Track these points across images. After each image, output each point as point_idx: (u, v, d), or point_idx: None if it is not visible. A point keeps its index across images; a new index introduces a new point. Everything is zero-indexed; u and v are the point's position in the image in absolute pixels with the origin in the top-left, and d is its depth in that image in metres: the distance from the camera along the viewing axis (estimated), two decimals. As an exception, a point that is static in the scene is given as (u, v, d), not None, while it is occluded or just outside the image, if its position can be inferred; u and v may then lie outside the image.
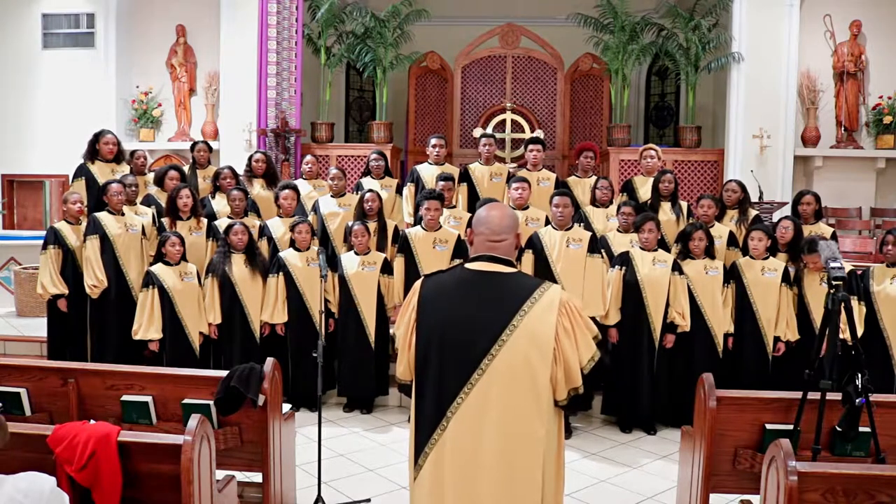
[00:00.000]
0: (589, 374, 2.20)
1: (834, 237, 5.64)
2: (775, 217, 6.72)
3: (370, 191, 6.03)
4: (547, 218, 5.63)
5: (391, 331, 5.67)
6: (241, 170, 6.58)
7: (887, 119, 8.78)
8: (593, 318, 5.10)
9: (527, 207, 5.75)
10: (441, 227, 5.56)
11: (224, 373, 3.54)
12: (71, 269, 5.57)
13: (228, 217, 5.86)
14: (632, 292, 5.20)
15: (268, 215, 6.18)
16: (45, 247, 5.57)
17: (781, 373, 5.15)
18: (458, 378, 2.19)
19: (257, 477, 3.64)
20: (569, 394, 2.20)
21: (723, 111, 9.44)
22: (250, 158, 6.65)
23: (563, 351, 2.17)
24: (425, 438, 2.23)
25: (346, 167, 8.91)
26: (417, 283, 2.37)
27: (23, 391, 3.57)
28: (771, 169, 8.67)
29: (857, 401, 3.05)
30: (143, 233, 5.72)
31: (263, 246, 5.78)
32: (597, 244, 5.37)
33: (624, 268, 5.24)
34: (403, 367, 2.36)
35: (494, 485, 2.17)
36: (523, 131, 9.78)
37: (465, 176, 6.54)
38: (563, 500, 2.33)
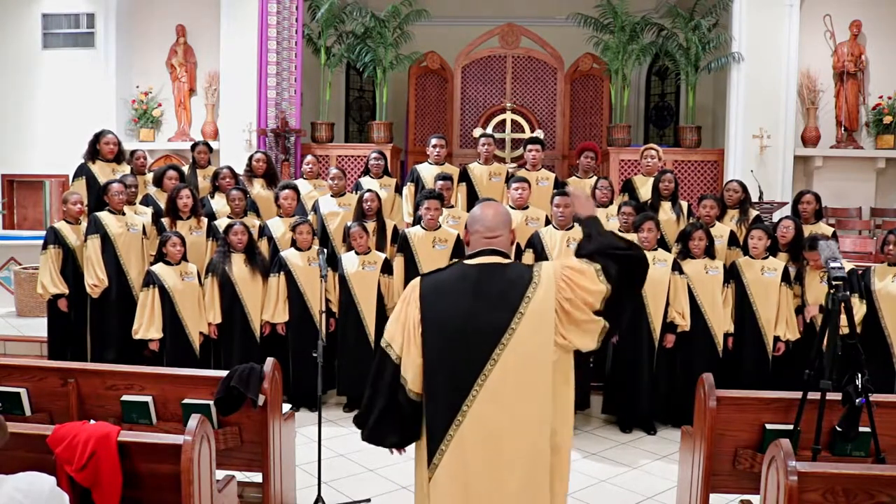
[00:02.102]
0: (622, 281, 2.24)
1: (834, 237, 5.64)
2: (775, 217, 6.73)
3: (369, 191, 6.03)
4: (547, 217, 5.63)
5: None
6: (240, 170, 6.59)
7: (887, 119, 8.77)
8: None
9: (526, 207, 5.76)
10: (440, 226, 5.56)
11: (224, 373, 3.54)
12: (71, 268, 5.57)
13: (228, 217, 5.86)
14: (632, 292, 5.19)
15: (268, 215, 6.19)
16: (45, 246, 5.57)
17: (781, 373, 5.15)
18: (471, 372, 2.20)
19: (257, 477, 3.63)
20: (602, 331, 2.25)
21: (723, 111, 9.44)
22: (251, 158, 6.66)
23: (571, 316, 2.22)
24: (440, 436, 2.22)
25: (346, 167, 8.91)
26: (414, 284, 2.36)
27: (23, 391, 3.57)
28: (771, 169, 8.66)
29: (857, 401, 3.05)
30: (144, 232, 5.72)
31: (263, 246, 5.78)
32: (597, 244, 5.36)
33: (624, 268, 5.23)
34: (413, 374, 2.27)
35: (516, 470, 2.19)
36: (523, 131, 9.78)
37: (465, 175, 6.55)
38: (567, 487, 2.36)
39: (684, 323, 5.19)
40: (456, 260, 2.43)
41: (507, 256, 2.34)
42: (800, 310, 5.23)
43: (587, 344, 2.27)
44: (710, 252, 5.31)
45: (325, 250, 5.03)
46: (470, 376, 2.20)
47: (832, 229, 5.93)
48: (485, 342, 2.20)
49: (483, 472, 2.20)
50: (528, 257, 5.28)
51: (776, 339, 5.19)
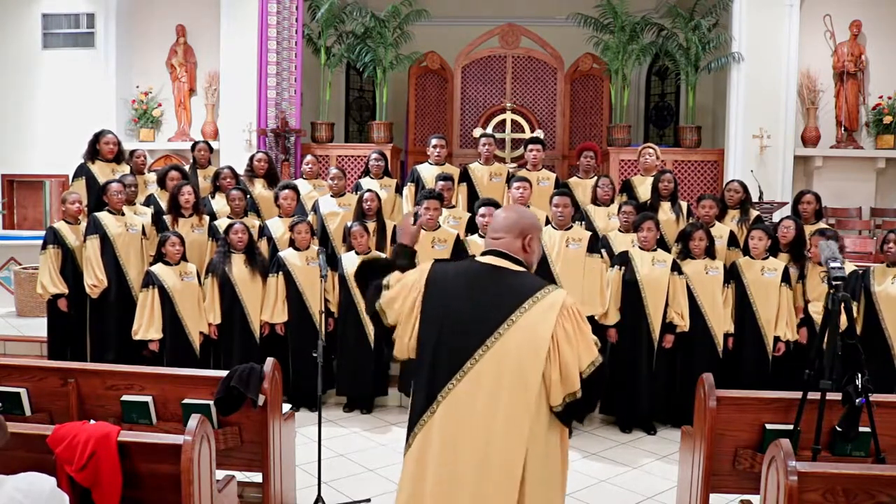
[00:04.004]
0: (592, 385, 2.19)
1: (835, 236, 5.64)
2: (775, 217, 6.73)
3: (369, 190, 6.03)
4: (547, 218, 5.63)
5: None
6: (241, 170, 6.59)
7: (887, 119, 8.77)
8: (591, 318, 5.12)
9: (527, 207, 5.75)
10: (440, 226, 5.56)
11: (224, 373, 3.54)
12: (71, 268, 5.57)
13: (228, 217, 5.86)
14: (631, 292, 5.20)
15: (269, 215, 6.18)
16: (44, 246, 5.57)
17: (781, 373, 5.15)
18: (452, 365, 2.22)
19: (257, 477, 3.63)
20: (564, 399, 2.19)
21: (723, 111, 9.44)
22: (252, 158, 6.65)
23: (561, 354, 2.17)
24: (416, 419, 2.27)
25: (346, 167, 8.91)
26: (426, 264, 2.39)
27: (23, 391, 3.57)
28: (771, 169, 8.66)
29: (857, 401, 3.04)
30: (144, 233, 5.72)
31: (263, 246, 5.78)
32: (597, 244, 5.37)
33: (623, 267, 5.24)
34: (401, 345, 2.35)
35: (473, 472, 2.19)
36: (523, 131, 9.77)
37: (465, 176, 6.54)
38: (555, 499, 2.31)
39: (683, 323, 5.19)
40: (472, 255, 2.43)
41: (520, 263, 2.31)
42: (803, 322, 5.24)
43: (554, 396, 2.20)
44: (710, 252, 5.32)
45: (325, 250, 5.02)
46: (451, 368, 2.22)
47: (833, 229, 5.92)
48: (471, 339, 2.21)
49: (443, 464, 2.21)
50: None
51: (776, 339, 5.19)
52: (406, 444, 2.31)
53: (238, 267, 5.44)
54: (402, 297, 2.35)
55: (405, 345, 2.35)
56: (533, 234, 2.35)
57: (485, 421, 2.18)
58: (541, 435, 2.20)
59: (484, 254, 2.35)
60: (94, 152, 6.24)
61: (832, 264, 3.12)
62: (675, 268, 5.22)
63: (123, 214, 5.63)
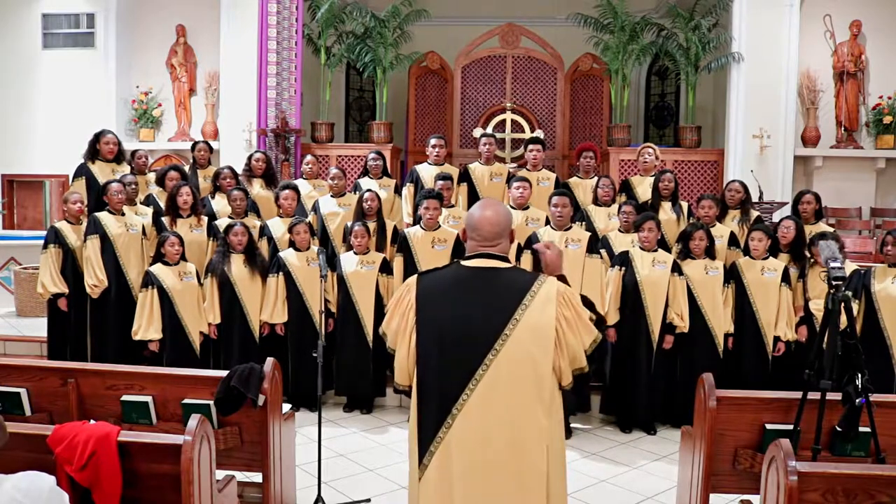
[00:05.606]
0: (594, 357, 2.26)
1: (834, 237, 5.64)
2: (775, 217, 6.72)
3: (369, 190, 6.03)
4: (547, 218, 5.64)
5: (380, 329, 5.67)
6: (240, 170, 6.59)
7: (887, 119, 8.78)
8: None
9: (527, 207, 5.76)
10: (440, 226, 5.56)
11: (224, 373, 3.54)
12: (71, 268, 5.57)
13: (229, 217, 5.86)
14: (631, 293, 5.20)
15: (267, 215, 6.19)
16: (45, 246, 5.57)
17: (781, 373, 5.15)
18: (462, 376, 2.19)
19: (257, 477, 3.64)
20: (573, 374, 2.25)
21: (723, 111, 9.44)
22: (250, 158, 6.66)
23: (567, 340, 2.21)
24: (430, 437, 2.22)
25: (346, 167, 8.91)
26: (411, 281, 2.34)
27: (23, 391, 3.57)
28: (771, 169, 8.67)
29: (857, 401, 3.05)
30: (144, 233, 5.72)
31: (263, 246, 5.78)
32: (596, 244, 5.37)
33: (623, 268, 5.24)
34: (401, 373, 2.32)
35: (504, 478, 2.18)
36: (523, 131, 9.77)
37: (465, 176, 6.54)
38: (566, 490, 2.34)
39: (683, 324, 5.19)
40: (456, 260, 2.40)
41: (505, 259, 2.30)
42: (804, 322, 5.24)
43: (565, 378, 2.25)
44: (710, 252, 5.32)
45: (325, 250, 5.02)
46: (461, 380, 2.19)
47: (832, 229, 5.92)
48: (477, 347, 2.19)
49: (470, 477, 2.18)
50: (526, 258, 5.27)
51: (776, 339, 5.20)
52: (419, 465, 2.25)
53: (237, 267, 5.44)
54: (398, 315, 2.32)
55: (405, 367, 2.30)
56: (511, 224, 2.38)
57: (506, 424, 2.18)
58: (553, 427, 2.22)
59: (469, 258, 2.31)
60: (94, 152, 6.25)
61: (832, 264, 3.12)
62: (676, 268, 5.22)
63: (123, 214, 5.64)
